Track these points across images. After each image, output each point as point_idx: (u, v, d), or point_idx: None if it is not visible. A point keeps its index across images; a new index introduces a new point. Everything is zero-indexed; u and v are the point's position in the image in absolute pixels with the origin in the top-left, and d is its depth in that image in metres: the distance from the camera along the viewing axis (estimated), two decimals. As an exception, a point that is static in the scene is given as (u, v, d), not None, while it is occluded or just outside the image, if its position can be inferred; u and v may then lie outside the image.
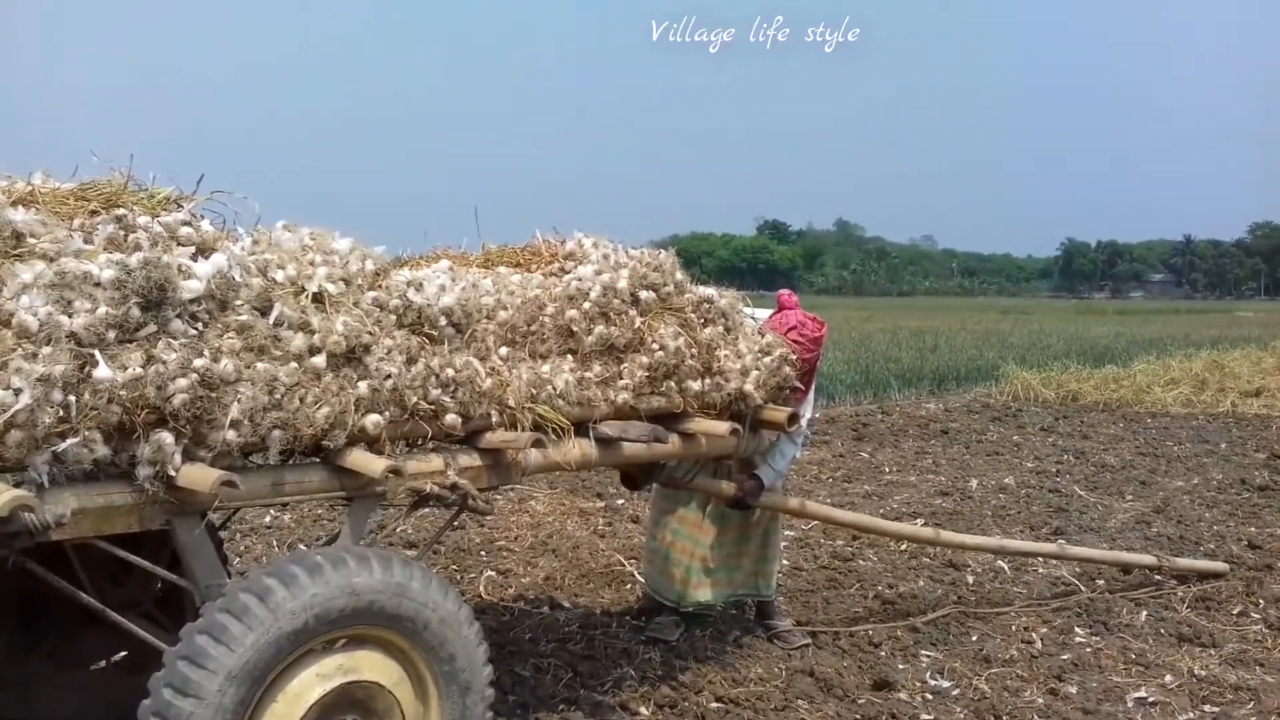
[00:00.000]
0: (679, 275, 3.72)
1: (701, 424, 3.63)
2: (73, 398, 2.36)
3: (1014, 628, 4.91)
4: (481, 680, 2.84)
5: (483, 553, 6.04)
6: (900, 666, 4.39)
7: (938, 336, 24.12)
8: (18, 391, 2.27)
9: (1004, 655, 4.54)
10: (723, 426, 3.62)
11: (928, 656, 4.53)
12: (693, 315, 3.67)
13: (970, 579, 5.67)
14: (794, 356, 3.96)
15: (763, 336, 3.92)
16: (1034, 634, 4.83)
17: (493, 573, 5.58)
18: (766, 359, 3.82)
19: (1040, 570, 5.81)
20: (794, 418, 3.89)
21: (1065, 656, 4.56)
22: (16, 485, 2.30)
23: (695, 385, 3.61)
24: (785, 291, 4.37)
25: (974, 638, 4.78)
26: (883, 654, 4.52)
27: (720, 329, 3.75)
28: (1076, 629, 4.93)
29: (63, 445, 2.34)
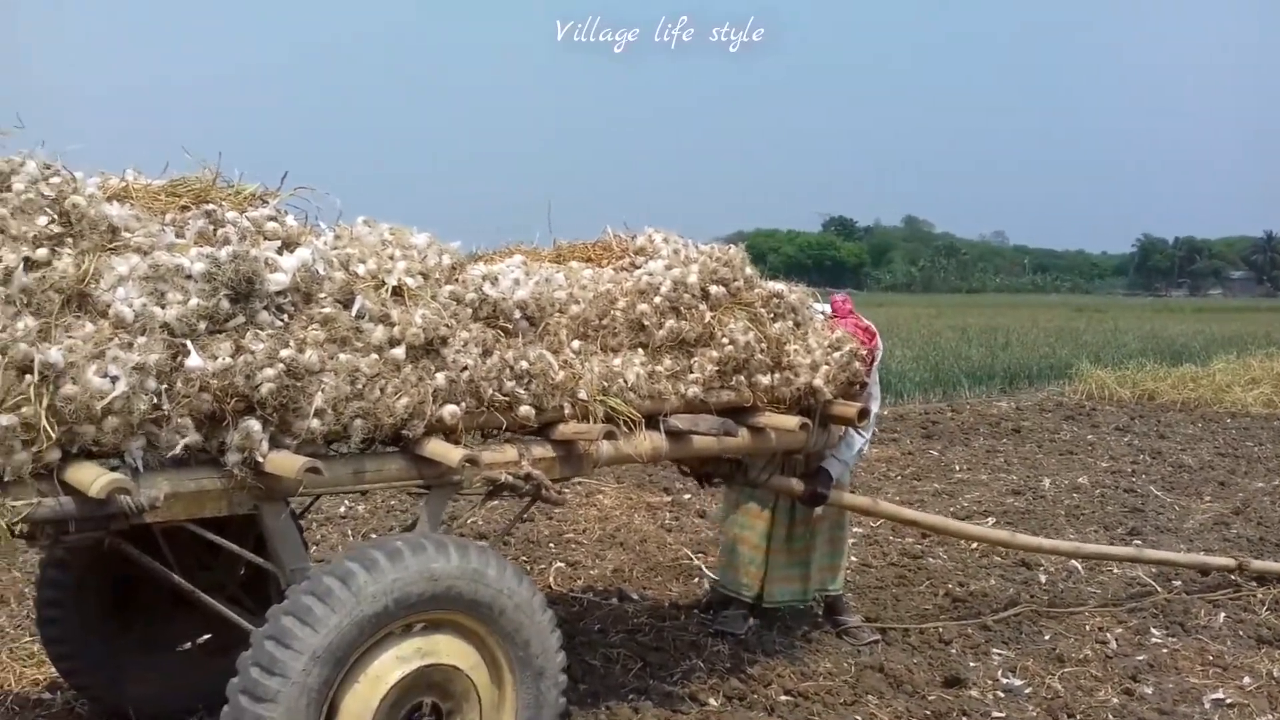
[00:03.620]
0: (749, 270, 3.74)
1: (771, 418, 3.65)
2: (166, 386, 2.46)
3: (1088, 628, 4.85)
4: (555, 666, 2.89)
5: (551, 544, 6.11)
6: (971, 664, 4.36)
7: (1009, 334, 23.72)
8: (114, 379, 2.38)
9: (1078, 655, 4.49)
10: (792, 421, 3.64)
11: (999, 655, 4.49)
12: (762, 310, 3.69)
13: (1043, 578, 5.60)
14: (864, 351, 3.96)
15: (833, 331, 3.92)
16: (1109, 634, 4.76)
17: (562, 564, 5.65)
18: (836, 354, 3.82)
19: (1115, 570, 5.72)
20: (864, 413, 3.89)
21: (1141, 657, 4.49)
22: (113, 470, 2.41)
23: (765, 380, 3.63)
24: (839, 296, 4.34)
25: (1047, 637, 4.73)
26: (953, 651, 4.50)
27: (790, 324, 3.76)
28: (1152, 630, 4.85)
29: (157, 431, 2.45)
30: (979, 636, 4.68)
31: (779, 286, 3.81)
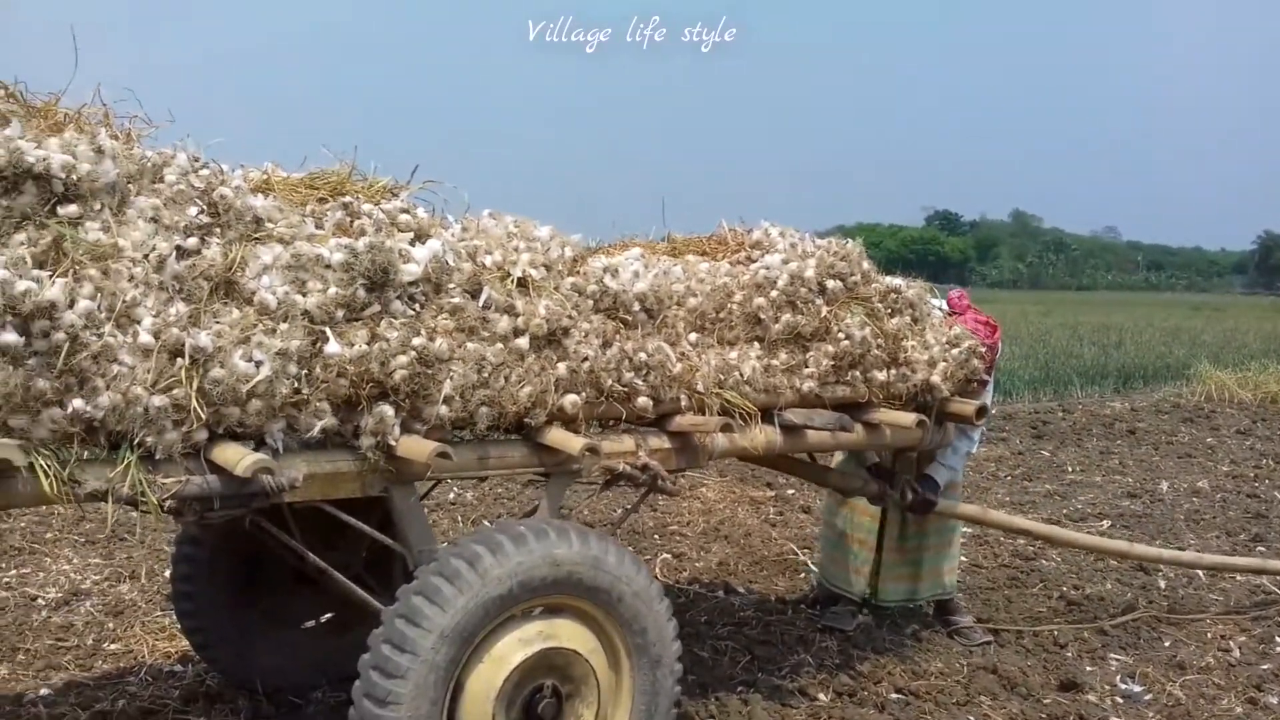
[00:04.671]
0: (865, 265, 3.72)
1: (887, 414, 3.63)
2: (305, 371, 2.56)
3: (1209, 635, 4.70)
4: (671, 655, 2.93)
5: (656, 536, 6.16)
6: (1088, 668, 4.27)
7: (1122, 332, 23.01)
8: (259, 364, 2.48)
9: (1199, 662, 4.36)
10: (909, 417, 3.61)
11: (1117, 660, 4.39)
12: (879, 305, 3.66)
13: (1162, 583, 5.45)
14: (983, 349, 3.90)
15: (951, 328, 3.88)
16: (1231, 642, 4.61)
17: (668, 555, 5.69)
18: (954, 350, 3.78)
19: (1238, 577, 5.53)
20: (982, 411, 3.83)
21: (1266, 666, 4.34)
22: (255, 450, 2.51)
23: (881, 375, 3.60)
24: (956, 292, 4.28)
25: (1166, 643, 4.60)
26: (1069, 655, 4.41)
27: (907, 319, 3.73)
28: (1278, 639, 4.68)
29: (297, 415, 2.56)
30: (1095, 641, 4.57)
31: (896, 281, 3.78)
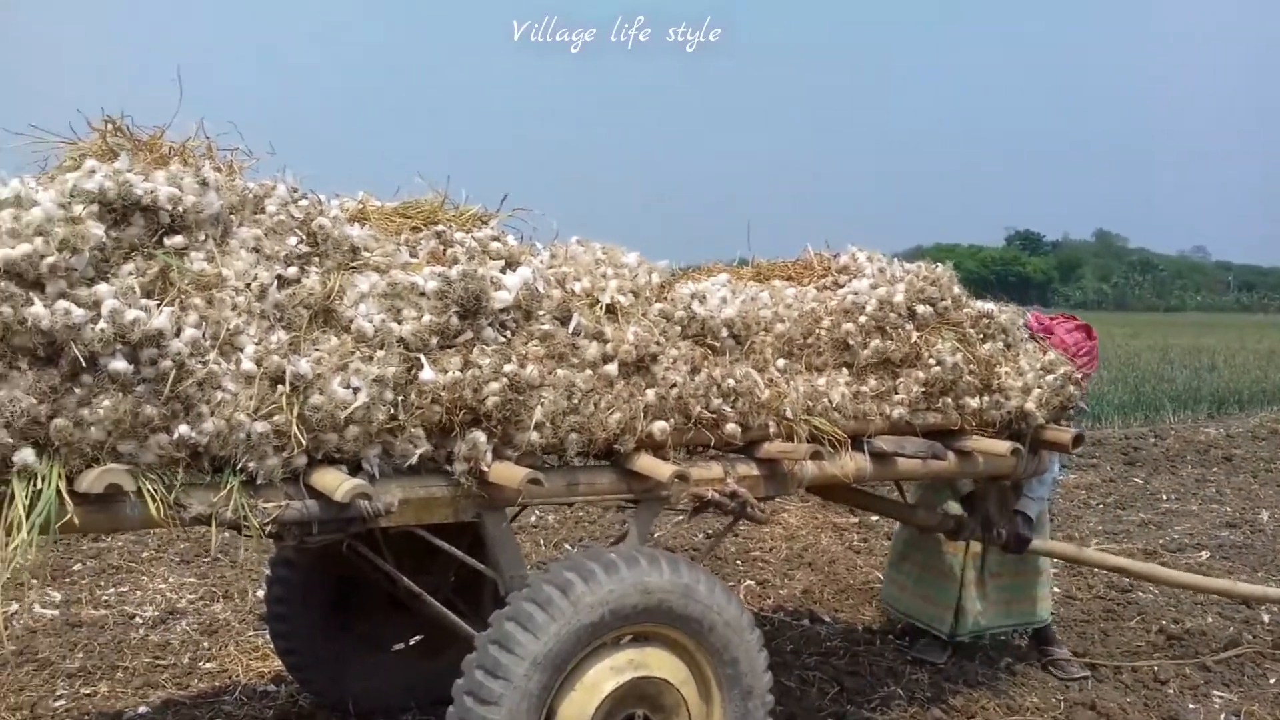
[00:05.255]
0: (956, 289, 3.66)
1: (980, 442, 3.55)
2: (401, 397, 2.60)
3: (1318, 673, 4.51)
4: (763, 686, 2.89)
5: (739, 562, 6.11)
6: (1190, 706, 4.12)
7: (1214, 355, 22.33)
8: (356, 390, 2.52)
9: (1309, 702, 4.18)
10: (1003, 445, 3.53)
11: (1221, 698, 4.23)
12: (971, 330, 3.60)
13: (1265, 617, 5.24)
14: (1079, 375, 3.81)
15: (1045, 354, 3.79)
16: (1343, 682, 4.41)
17: (751, 582, 5.64)
18: (1049, 377, 3.69)
19: (1348, 613, 5.30)
20: (1079, 439, 3.73)
21: (1381, 708, 4.15)
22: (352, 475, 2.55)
23: (973, 402, 3.54)
24: (1032, 315, 4.19)
25: (1272, 680, 4.43)
26: (1170, 692, 4.26)
27: (1000, 344, 3.66)
28: (1393, 679, 4.47)
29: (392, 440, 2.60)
30: (1197, 677, 4.41)
31: (989, 306, 3.72)
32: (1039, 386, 3.65)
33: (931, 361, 3.45)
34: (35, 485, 2.23)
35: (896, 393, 3.42)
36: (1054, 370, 3.72)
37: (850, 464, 3.31)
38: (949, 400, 3.50)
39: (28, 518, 2.19)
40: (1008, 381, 3.60)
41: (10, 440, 2.20)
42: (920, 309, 3.49)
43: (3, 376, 2.20)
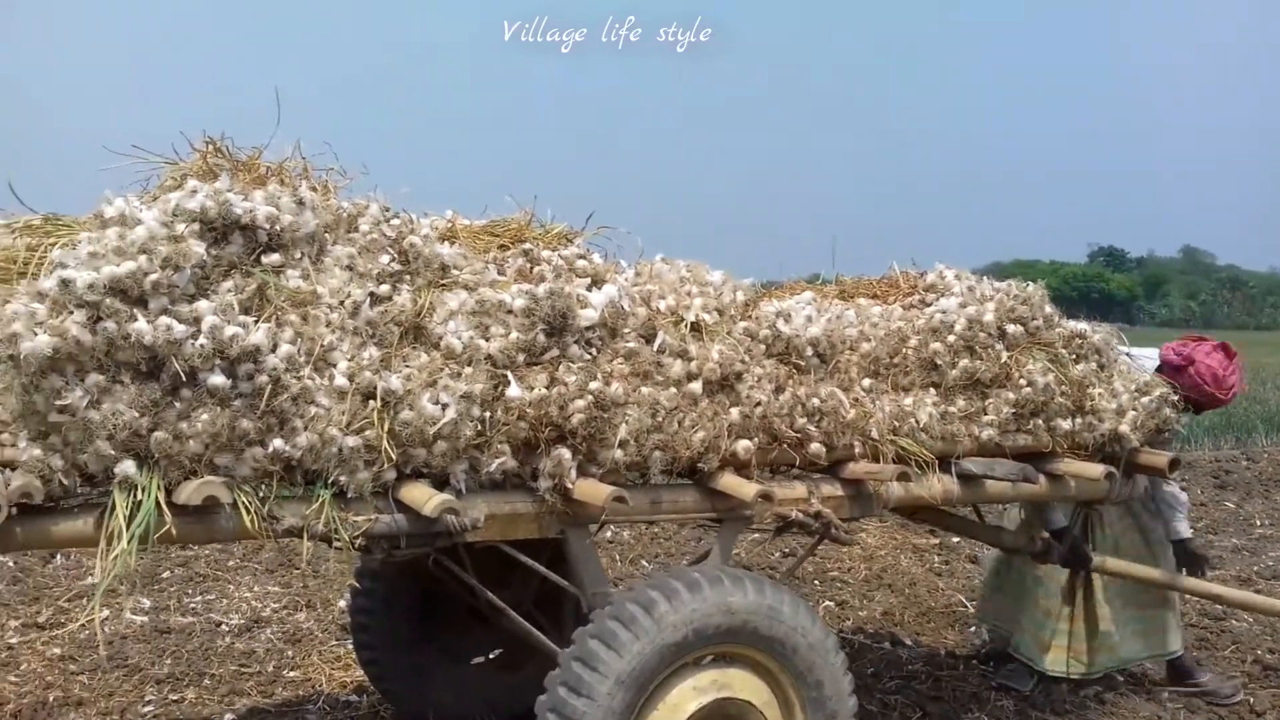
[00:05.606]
0: (1048, 309, 3.59)
1: (1072, 465, 3.47)
2: (488, 414, 2.62)
3: None
4: (847, 710, 2.85)
5: (817, 582, 6.04)
6: (1291, 741, 3.97)
7: (1310, 376, 21.53)
8: (445, 406, 2.54)
9: None
10: (1096, 469, 3.44)
11: (1323, 734, 4.06)
12: (1063, 351, 3.53)
13: (1369, 650, 5.03)
14: (1176, 398, 3.70)
15: (1139, 375, 3.69)
16: None
17: (830, 603, 5.57)
18: (1144, 399, 3.60)
19: None
20: (1175, 463, 3.62)
21: None
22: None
23: (1065, 424, 3.46)
24: (1170, 346, 4.08)
25: (1378, 716, 4.24)
26: (1268, 725, 4.11)
27: (1093, 365, 3.57)
28: None
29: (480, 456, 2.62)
30: (1297, 711, 4.25)
31: (1082, 326, 3.63)
32: (1134, 408, 3.55)
33: (1022, 382, 3.38)
34: (135, 496, 2.29)
35: (986, 414, 3.35)
36: (1149, 392, 3.62)
37: (937, 486, 3.25)
38: (1040, 422, 3.43)
39: (128, 528, 2.25)
40: (1101, 403, 3.52)
41: (112, 452, 2.27)
42: (1011, 328, 3.43)
43: (106, 390, 2.27)
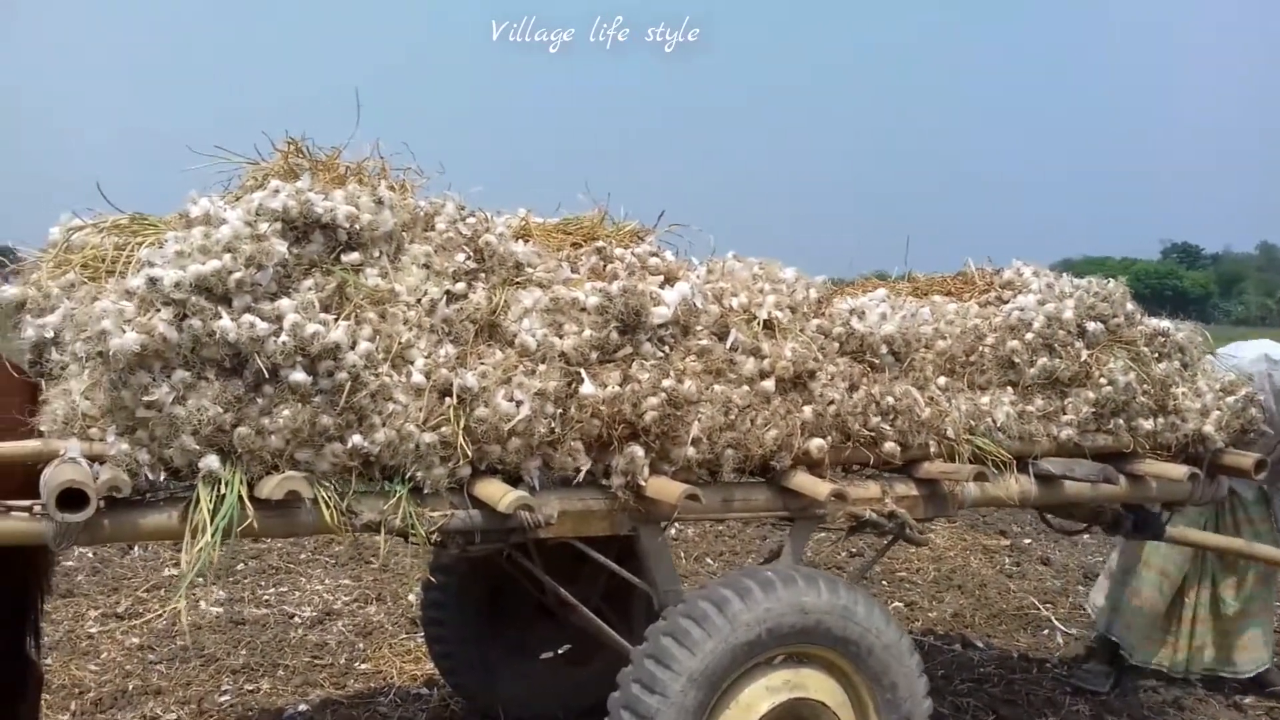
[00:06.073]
0: (1129, 306, 3.51)
1: (1153, 466, 3.39)
2: (561, 411, 2.62)
3: None
4: (922, 712, 2.81)
5: (884, 583, 5.98)
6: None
7: (1395, 377, 20.84)
8: (519, 404, 2.55)
9: None
10: (1179, 470, 3.35)
11: None
12: (1145, 349, 3.44)
13: None
14: (1261, 397, 3.60)
15: (1224, 375, 3.60)
16: None
17: (899, 604, 5.52)
18: (1229, 399, 3.50)
19: None
20: (1261, 464, 3.51)
21: None
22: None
23: (1147, 424, 3.38)
24: None
25: None
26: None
27: (1176, 364, 3.48)
28: None
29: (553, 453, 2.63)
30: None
31: (1164, 324, 3.54)
32: (1218, 408, 3.46)
33: (1103, 381, 3.30)
34: (219, 490, 2.33)
35: (1065, 413, 3.29)
36: (1234, 392, 3.52)
37: (1015, 486, 3.19)
38: (1121, 422, 3.35)
39: (211, 521, 2.30)
40: (1184, 403, 3.43)
41: (197, 447, 2.32)
42: (1091, 326, 3.36)
43: (192, 386, 2.32)
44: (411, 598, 5.27)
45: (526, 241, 2.89)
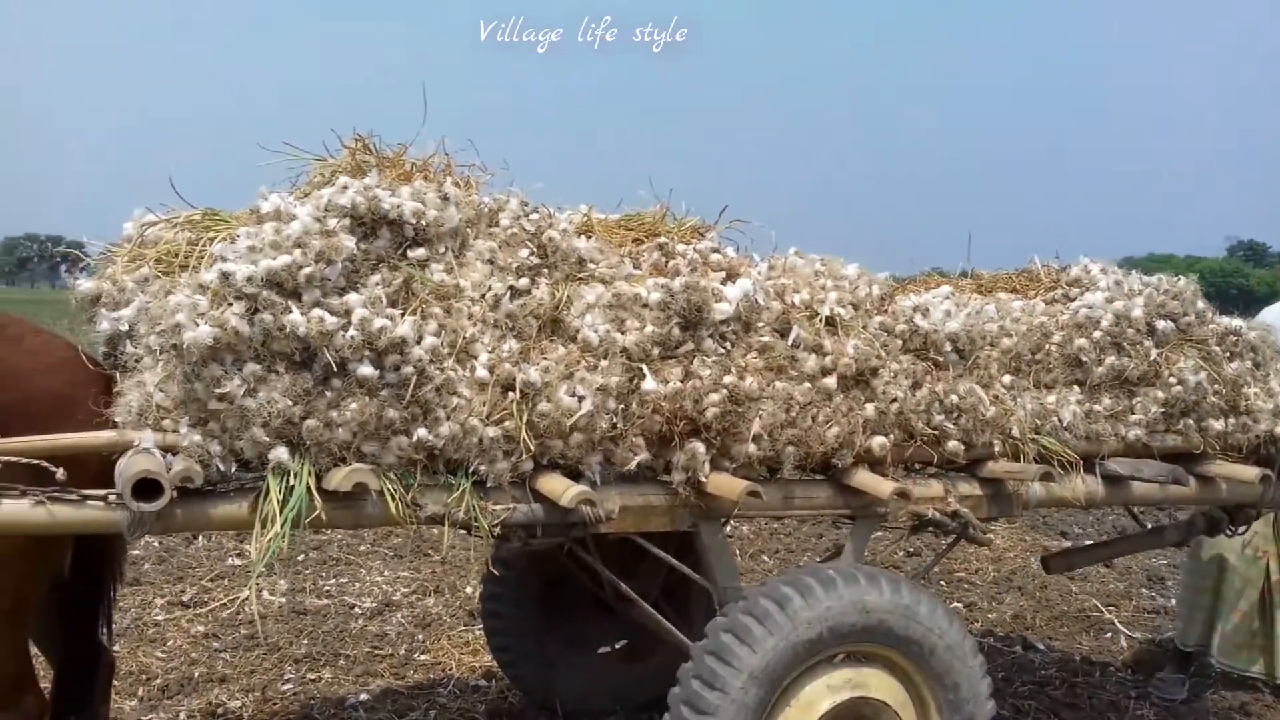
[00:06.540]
0: (1200, 304, 3.44)
1: (1224, 467, 3.32)
2: (623, 406, 2.63)
3: None
4: (985, 713, 2.78)
5: (943, 583, 5.92)
6: None
7: None
8: (581, 399, 2.56)
9: None
10: (1250, 472, 3.28)
11: None
12: (1216, 348, 3.37)
13: None
14: None
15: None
16: None
17: (958, 605, 5.46)
18: (1303, 399, 3.42)
19: None
20: (1335, 466, 3.42)
21: None
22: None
23: (1217, 425, 3.31)
24: None
25: None
26: None
27: (1248, 364, 3.41)
28: None
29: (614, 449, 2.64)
30: None
31: (1236, 323, 3.47)
32: (1292, 409, 3.38)
33: (1172, 380, 3.24)
34: (288, 482, 2.37)
35: (1133, 413, 3.23)
36: (1310, 392, 3.43)
37: (1081, 487, 3.14)
38: (1191, 422, 3.29)
39: (280, 512, 2.34)
40: (1256, 403, 3.35)
41: (267, 439, 2.36)
42: (1160, 324, 3.30)
43: (262, 379, 2.36)
44: (469, 590, 5.32)
45: (589, 237, 2.90)
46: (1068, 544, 6.83)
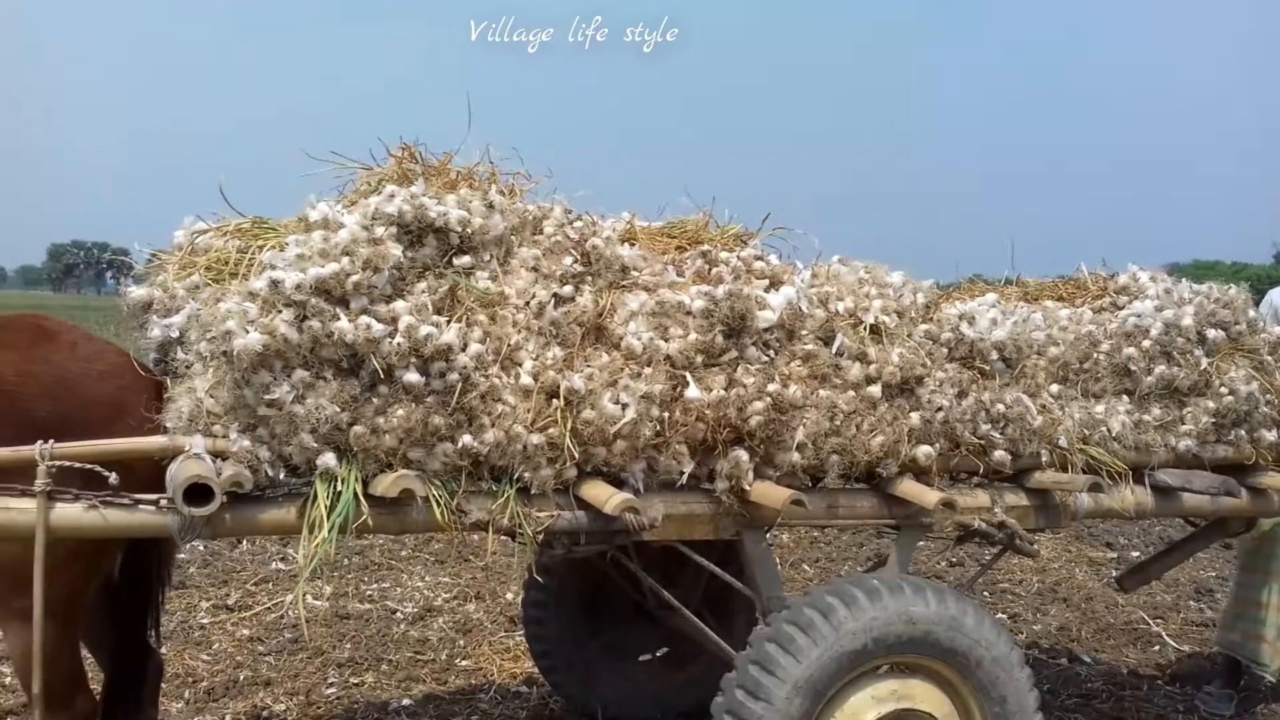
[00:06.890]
0: (1251, 313, 3.38)
1: (1277, 478, 3.26)
2: (666, 414, 2.63)
3: None
4: (1032, 727, 2.75)
5: (987, 594, 5.85)
6: None
7: None
8: (625, 406, 2.56)
9: None
10: (1306, 484, 3.23)
11: None
12: (1268, 358, 3.32)
13: None
14: None
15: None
16: None
17: (1002, 616, 5.39)
18: (1358, 410, 3.35)
19: None
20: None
21: None
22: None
23: (1270, 435, 3.26)
24: None
25: None
26: None
27: (1302, 373, 3.35)
28: None
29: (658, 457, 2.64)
30: None
31: (1289, 332, 3.41)
32: (1346, 420, 3.31)
33: (1223, 390, 3.20)
34: (335, 487, 2.39)
35: (1183, 423, 3.19)
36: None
37: (1130, 498, 3.10)
38: (1242, 432, 3.24)
39: (328, 517, 2.36)
40: (1311, 414, 3.29)
41: (315, 445, 2.38)
42: (1211, 333, 3.24)
43: (311, 386, 2.38)
44: (509, 596, 5.33)
45: (632, 245, 2.90)
46: (1113, 555, 6.74)
